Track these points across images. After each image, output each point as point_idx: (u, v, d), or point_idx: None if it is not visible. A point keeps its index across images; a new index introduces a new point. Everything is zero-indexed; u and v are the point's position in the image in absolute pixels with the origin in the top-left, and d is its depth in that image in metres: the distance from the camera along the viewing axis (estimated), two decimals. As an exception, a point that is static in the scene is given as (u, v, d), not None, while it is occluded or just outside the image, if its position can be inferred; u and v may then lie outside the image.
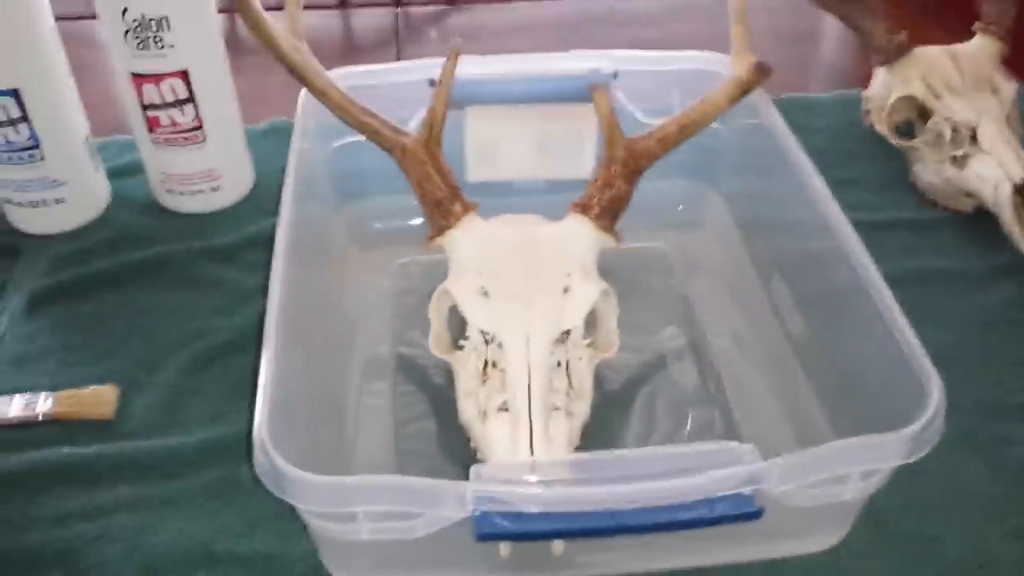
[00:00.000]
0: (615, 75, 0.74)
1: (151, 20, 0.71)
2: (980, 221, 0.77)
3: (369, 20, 1.25)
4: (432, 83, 0.63)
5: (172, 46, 0.72)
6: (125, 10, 0.70)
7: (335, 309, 0.70)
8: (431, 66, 0.68)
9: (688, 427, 0.63)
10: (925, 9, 1.13)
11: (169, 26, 0.71)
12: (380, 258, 0.76)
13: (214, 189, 0.80)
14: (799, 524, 0.53)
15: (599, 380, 0.65)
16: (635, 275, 0.75)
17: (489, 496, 0.44)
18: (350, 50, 1.21)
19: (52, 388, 0.64)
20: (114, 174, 0.84)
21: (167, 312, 0.71)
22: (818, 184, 0.63)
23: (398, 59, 0.88)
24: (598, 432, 0.59)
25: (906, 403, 0.49)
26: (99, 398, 0.63)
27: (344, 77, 0.71)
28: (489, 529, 0.44)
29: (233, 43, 0.97)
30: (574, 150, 0.74)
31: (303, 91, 0.69)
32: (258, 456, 0.45)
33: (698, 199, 0.80)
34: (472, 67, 0.72)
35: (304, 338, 0.61)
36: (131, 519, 0.57)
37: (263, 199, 0.81)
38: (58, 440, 0.61)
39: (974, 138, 0.76)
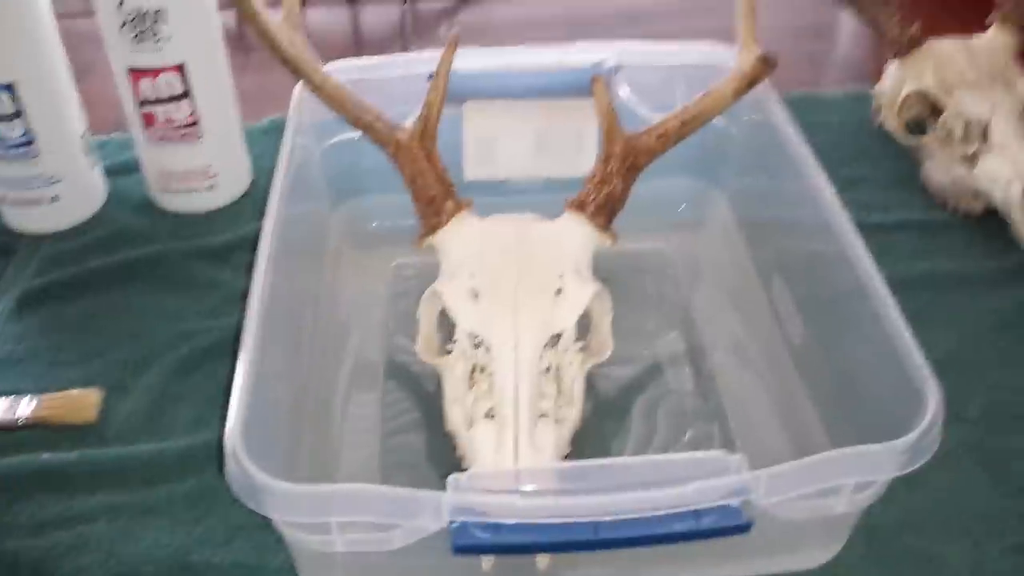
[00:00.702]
0: (617, 69, 0.72)
1: (147, 12, 0.70)
2: (990, 222, 0.75)
3: (377, 16, 1.24)
4: (430, 76, 0.62)
5: (169, 39, 0.71)
6: (122, 1, 0.69)
7: (327, 312, 0.69)
8: (433, 59, 0.67)
9: (684, 436, 0.61)
10: (940, 1, 1.11)
11: (166, 18, 0.70)
12: (376, 259, 0.75)
13: (210, 187, 0.79)
14: (791, 538, 0.51)
15: (592, 386, 0.63)
16: (634, 278, 0.73)
17: (467, 507, 0.43)
18: (358, 46, 1.20)
19: (37, 391, 0.63)
20: (112, 172, 0.83)
21: (158, 314, 0.70)
22: (821, 183, 0.61)
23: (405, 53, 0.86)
24: (589, 440, 0.57)
25: (905, 412, 0.47)
26: (82, 402, 0.62)
27: (343, 71, 0.69)
28: (466, 541, 0.43)
29: (239, 40, 0.96)
30: (574, 147, 0.73)
31: (298, 85, 0.68)
32: (228, 463, 0.43)
33: (701, 198, 0.78)
34: (471, 60, 0.70)
35: (290, 341, 0.60)
36: (109, 528, 0.56)
37: (261, 198, 0.79)
38: (39, 444, 0.60)
39: (986, 135, 0.74)
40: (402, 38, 1.17)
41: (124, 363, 0.66)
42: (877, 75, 0.87)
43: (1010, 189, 0.70)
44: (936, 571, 0.53)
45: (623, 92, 0.72)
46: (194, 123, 0.75)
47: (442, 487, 0.44)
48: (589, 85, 0.61)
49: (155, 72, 0.72)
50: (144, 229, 0.77)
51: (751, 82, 0.64)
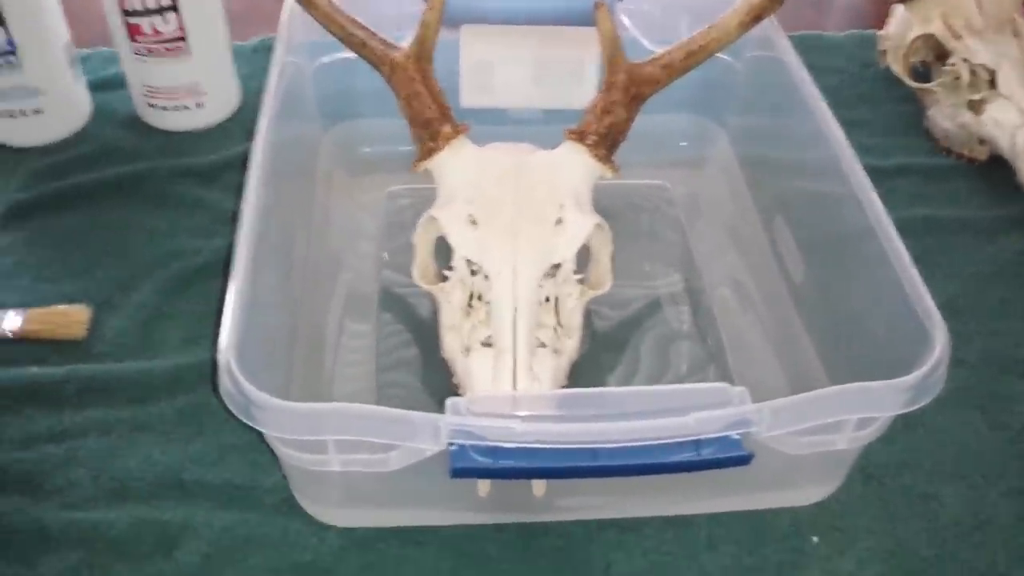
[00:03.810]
0: (620, -1, 0.70)
1: (134, -81, 0.67)
2: (995, 169, 0.74)
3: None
4: (426, -3, 0.60)
5: (156, -54, 0.69)
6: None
7: (318, 238, 0.67)
8: (430, -20, 0.65)
9: (681, 372, 0.60)
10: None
11: (153, -75, 0.68)
12: (369, 185, 0.73)
13: (198, 105, 0.77)
14: (789, 474, 0.51)
15: (590, 319, 0.62)
16: (634, 213, 0.72)
17: (465, 430, 0.42)
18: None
19: (23, 306, 0.61)
20: (97, 87, 0.81)
21: (145, 232, 0.68)
22: (831, 124, 0.60)
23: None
24: (586, 372, 0.57)
25: (908, 352, 0.47)
26: (70, 317, 0.61)
27: (336, -12, 0.68)
28: (464, 464, 0.42)
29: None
30: (575, 78, 0.71)
31: (288, 0, 0.65)
32: (223, 378, 0.42)
33: (703, 135, 0.77)
34: (471, -19, 0.68)
35: (280, 267, 0.59)
36: (99, 443, 0.55)
37: (250, 119, 0.77)
38: (26, 359, 0.59)
39: (993, 83, 0.73)
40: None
41: (112, 280, 0.64)
42: (880, 19, 0.86)
43: (1017, 136, 0.70)
44: (932, 512, 0.53)
45: (625, 23, 0.70)
46: (182, 38, 0.73)
47: (438, 412, 0.43)
48: (591, 13, 0.59)
49: (141, -20, 0.70)
50: (130, 146, 0.75)
51: (757, 16, 0.62)
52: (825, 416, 0.44)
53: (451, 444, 0.42)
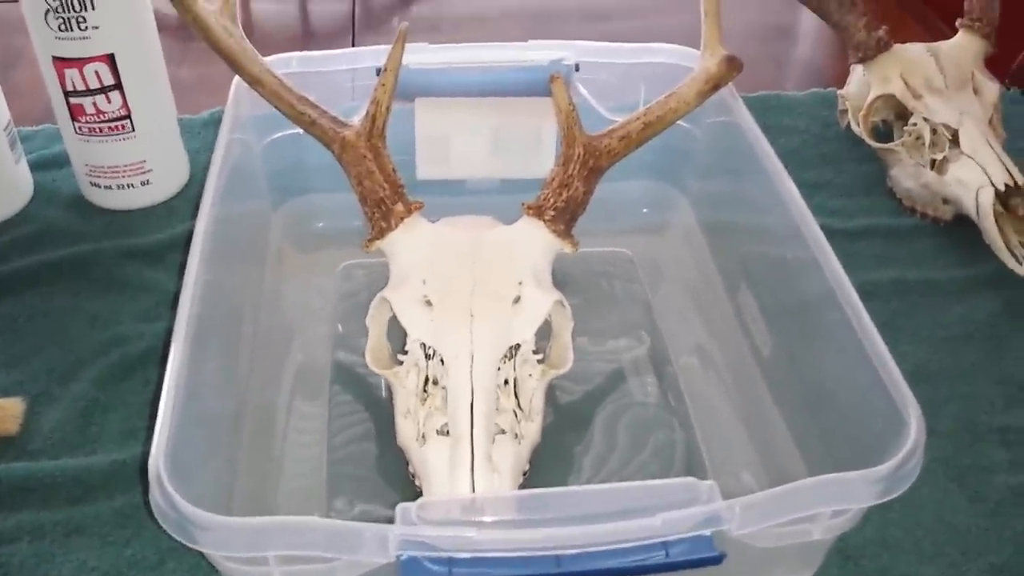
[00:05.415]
0: (577, 67, 0.69)
1: (73, -1, 0.65)
2: (960, 228, 0.73)
3: (327, 7, 1.19)
4: (379, 71, 0.58)
5: (96, 27, 0.67)
6: (45, -13, 0.65)
7: (268, 316, 0.65)
8: (382, 54, 0.63)
9: (647, 448, 0.58)
10: (906, 4, 1.09)
11: (93, 6, 0.66)
12: (322, 260, 0.71)
13: (144, 183, 0.74)
14: (765, 563, 0.48)
15: (553, 394, 0.60)
16: (596, 281, 0.70)
17: (417, 540, 0.39)
18: (306, 39, 1.15)
19: (-48, 401, 0.58)
20: (40, 165, 0.78)
21: (86, 317, 0.65)
22: (788, 188, 0.59)
23: (353, 47, 0.82)
24: (550, 451, 0.55)
25: (880, 427, 0.45)
26: (3, 412, 0.58)
27: (284, 63, 0.66)
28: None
29: (178, 30, 0.91)
30: (531, 147, 0.70)
31: (235, 79, 0.64)
32: (153, 492, 0.40)
33: (664, 202, 0.76)
34: (423, 55, 0.67)
35: (227, 349, 0.56)
36: (32, 549, 0.52)
37: (199, 195, 0.75)
38: (-45, 459, 0.55)
39: (955, 141, 0.72)
40: (352, 32, 1.13)
41: (49, 371, 0.62)
42: (841, 78, 0.85)
43: (981, 196, 0.69)
44: (911, 596, 0.51)
45: (582, 92, 0.69)
46: (126, 116, 0.71)
47: (394, 502, 0.41)
48: (547, 83, 0.58)
49: (82, 62, 0.68)
50: (73, 227, 0.73)
51: (716, 84, 0.61)
52: (798, 510, 0.42)
53: (400, 555, 0.39)
